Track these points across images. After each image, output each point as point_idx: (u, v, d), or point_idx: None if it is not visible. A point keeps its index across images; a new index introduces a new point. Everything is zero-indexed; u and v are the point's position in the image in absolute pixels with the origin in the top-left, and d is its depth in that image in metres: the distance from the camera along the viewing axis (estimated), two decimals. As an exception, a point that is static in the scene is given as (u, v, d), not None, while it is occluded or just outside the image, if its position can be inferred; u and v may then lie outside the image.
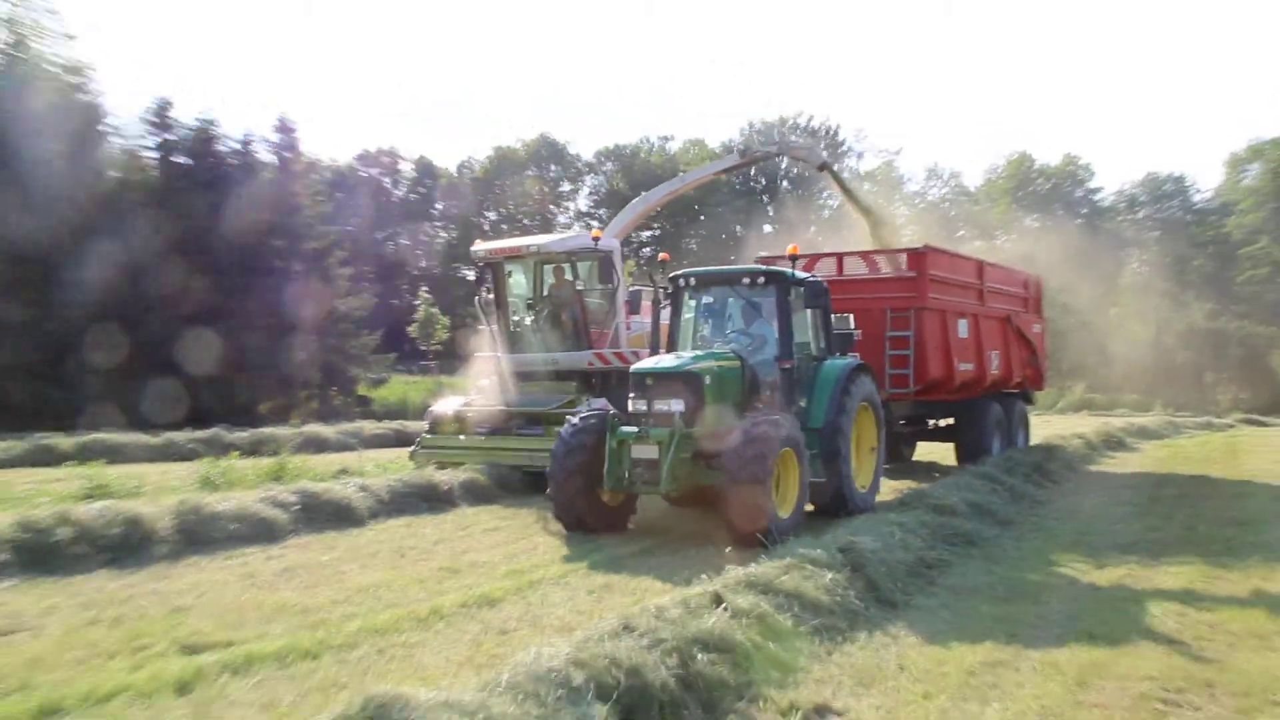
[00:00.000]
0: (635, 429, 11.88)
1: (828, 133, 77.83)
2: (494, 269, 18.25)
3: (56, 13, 32.90)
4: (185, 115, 36.67)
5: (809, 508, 12.59)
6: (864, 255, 19.33)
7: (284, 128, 39.85)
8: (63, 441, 20.93)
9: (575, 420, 12.68)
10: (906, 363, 16.88)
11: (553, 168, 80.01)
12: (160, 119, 35.60)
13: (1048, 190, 75.68)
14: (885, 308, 17.15)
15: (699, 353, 12.70)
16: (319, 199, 41.57)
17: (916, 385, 16.89)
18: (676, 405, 11.77)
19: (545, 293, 18.50)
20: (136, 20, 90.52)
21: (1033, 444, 21.69)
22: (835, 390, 12.99)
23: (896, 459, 20.45)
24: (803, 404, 12.99)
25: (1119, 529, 13.07)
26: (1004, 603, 8.99)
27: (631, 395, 12.18)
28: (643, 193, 23.06)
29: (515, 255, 18.12)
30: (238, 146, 37.34)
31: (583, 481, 12.06)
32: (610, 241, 18.19)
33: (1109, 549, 11.56)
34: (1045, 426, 28.28)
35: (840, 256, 18.90)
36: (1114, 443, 25.67)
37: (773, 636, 7.09)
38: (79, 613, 8.36)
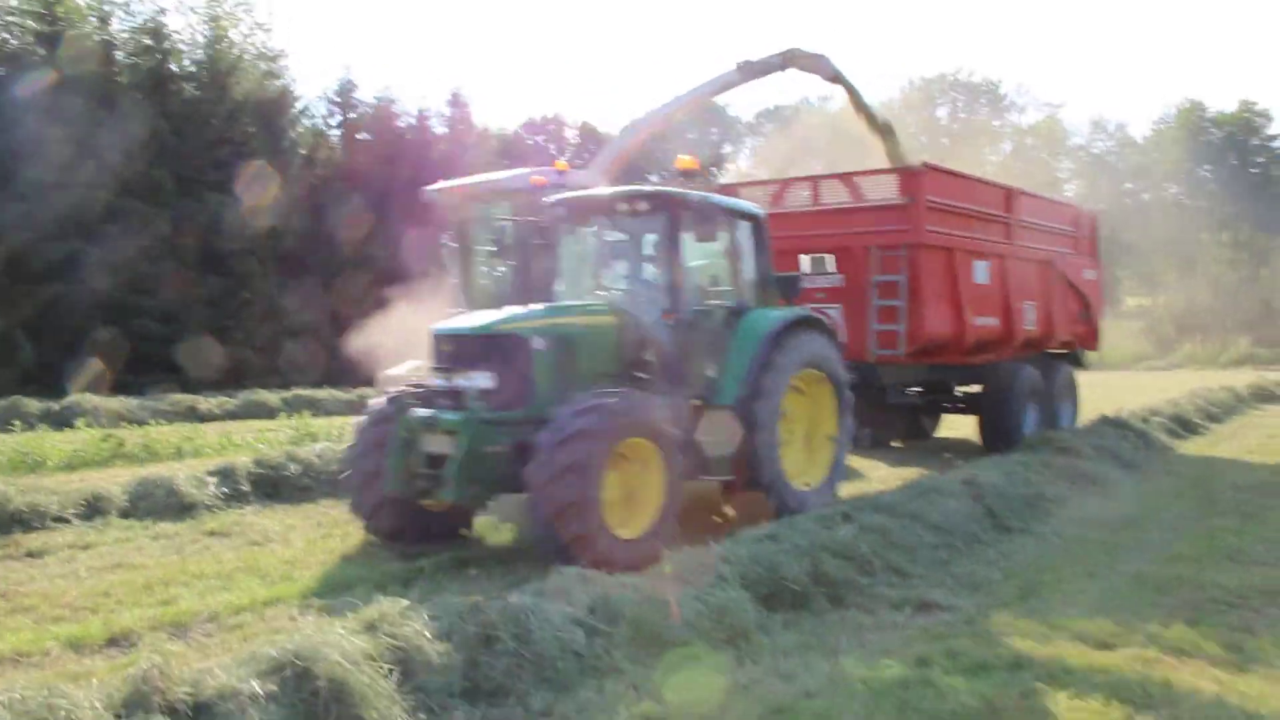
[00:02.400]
0: (430, 414, 8.75)
1: (990, 88, 76.75)
2: (455, 213, 15.20)
3: (250, 4, 35.32)
4: (364, 94, 39.31)
5: (728, 510, 10.81)
6: (845, 179, 14.93)
7: (456, 101, 42.31)
8: (270, 397, 23.49)
9: (373, 407, 9.54)
10: (897, 316, 13.54)
11: (713, 130, 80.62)
12: (343, 99, 38.23)
13: (1221, 139, 73.11)
14: (871, 245, 13.76)
15: (541, 307, 9.47)
16: (490, 168, 43.66)
17: (910, 345, 13.55)
18: (481, 380, 8.66)
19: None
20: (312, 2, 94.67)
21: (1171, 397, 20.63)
22: (756, 353, 9.71)
23: (916, 436, 17.22)
24: (710, 373, 9.84)
25: (1241, 471, 13.78)
26: (1111, 531, 9.98)
27: (432, 366, 9.15)
28: (630, 122, 19.10)
29: (472, 195, 15.07)
30: (414, 121, 39.71)
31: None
32: (581, 176, 15.09)
33: (1226, 488, 12.34)
34: (1199, 380, 28.28)
35: (815, 180, 15.13)
36: (1265, 395, 25.69)
37: (892, 549, 8.36)
38: (314, 529, 10.19)
